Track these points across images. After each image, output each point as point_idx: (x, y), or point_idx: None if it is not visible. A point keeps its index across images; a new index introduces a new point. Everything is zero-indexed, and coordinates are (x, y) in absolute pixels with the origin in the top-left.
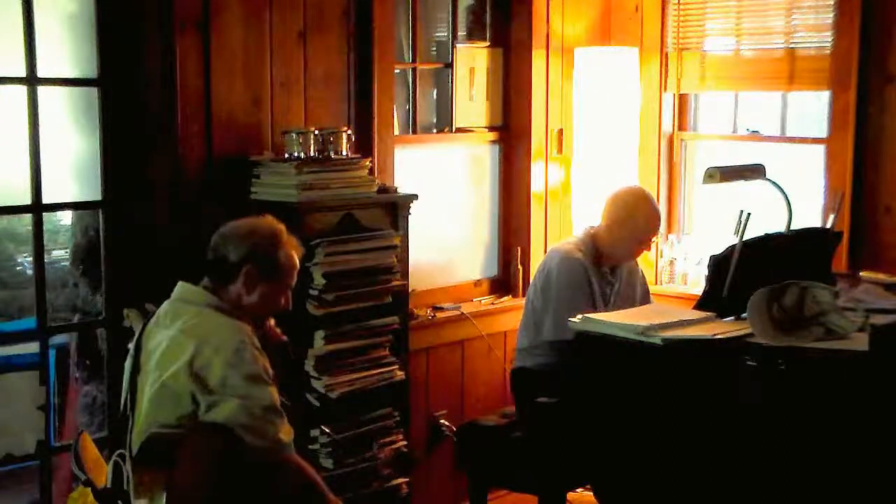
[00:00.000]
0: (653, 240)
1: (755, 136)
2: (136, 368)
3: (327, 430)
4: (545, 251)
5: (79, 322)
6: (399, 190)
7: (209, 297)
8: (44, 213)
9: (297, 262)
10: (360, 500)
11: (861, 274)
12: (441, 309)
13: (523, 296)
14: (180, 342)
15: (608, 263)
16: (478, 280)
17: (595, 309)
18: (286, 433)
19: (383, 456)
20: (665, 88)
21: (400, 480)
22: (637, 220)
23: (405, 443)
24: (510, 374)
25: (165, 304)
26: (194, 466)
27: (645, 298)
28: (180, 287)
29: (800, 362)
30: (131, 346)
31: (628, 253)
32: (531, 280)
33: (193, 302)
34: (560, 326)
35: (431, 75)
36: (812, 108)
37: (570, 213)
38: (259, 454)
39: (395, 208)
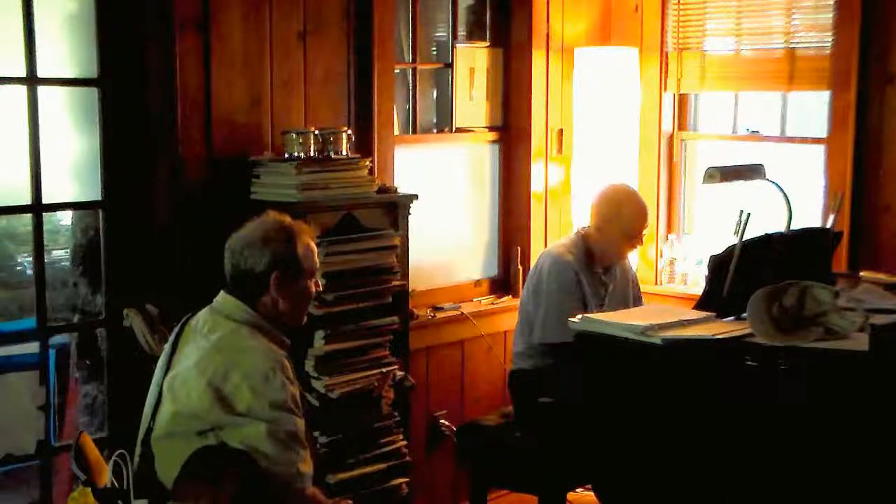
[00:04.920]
0: (643, 234)
1: (755, 136)
2: (167, 368)
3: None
4: None
5: (79, 322)
6: (399, 190)
7: (248, 314)
8: (44, 213)
9: (314, 244)
10: (360, 500)
11: (861, 274)
12: (441, 309)
13: None
14: (211, 359)
15: (602, 263)
16: (478, 280)
17: (587, 311)
18: (306, 465)
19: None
20: (665, 88)
21: (400, 480)
22: (623, 216)
23: (405, 443)
24: (508, 376)
25: (206, 312)
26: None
27: (637, 300)
28: (221, 298)
29: (800, 362)
30: (168, 345)
31: (619, 250)
32: (525, 283)
33: (232, 317)
34: (548, 329)
35: (431, 75)
36: (812, 108)
37: (570, 213)
38: (275, 481)
39: (395, 208)
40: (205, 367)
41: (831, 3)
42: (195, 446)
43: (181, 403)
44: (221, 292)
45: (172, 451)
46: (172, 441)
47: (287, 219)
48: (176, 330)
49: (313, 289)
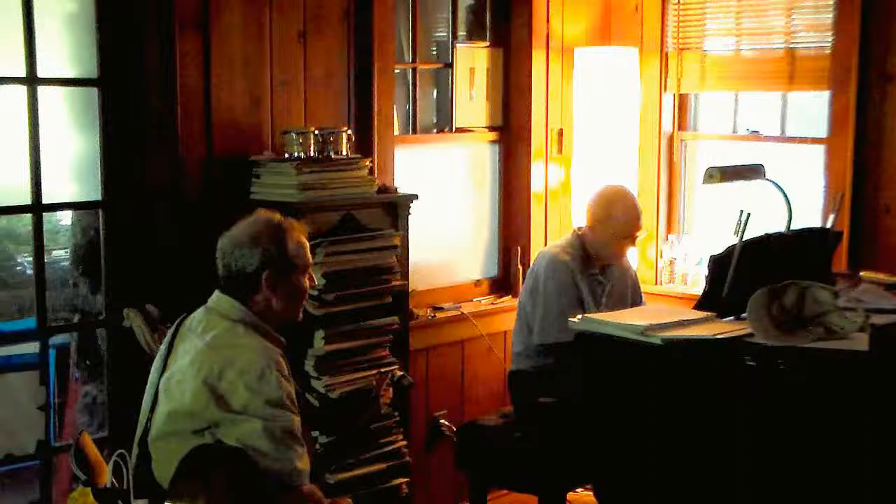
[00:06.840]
0: (637, 235)
1: (755, 136)
2: (163, 369)
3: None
4: None
5: (79, 322)
6: (399, 190)
7: (242, 313)
8: (44, 213)
9: (306, 240)
10: (359, 500)
11: (861, 274)
12: (441, 309)
13: None
14: (206, 357)
15: (599, 264)
16: (478, 280)
17: (584, 311)
18: (303, 462)
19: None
20: (665, 88)
21: (400, 480)
22: (615, 218)
23: (405, 443)
24: (508, 376)
25: (200, 311)
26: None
27: (636, 300)
28: (216, 297)
29: (800, 362)
30: (163, 346)
31: (614, 251)
32: (523, 283)
33: (227, 316)
34: (547, 329)
35: (431, 75)
36: (812, 108)
37: (570, 213)
38: (272, 479)
39: (395, 208)
40: (200, 365)
41: (831, 3)
42: (191, 445)
43: (177, 402)
44: (216, 291)
45: (169, 450)
46: (169, 441)
47: (276, 216)
48: (171, 330)
49: (307, 284)
